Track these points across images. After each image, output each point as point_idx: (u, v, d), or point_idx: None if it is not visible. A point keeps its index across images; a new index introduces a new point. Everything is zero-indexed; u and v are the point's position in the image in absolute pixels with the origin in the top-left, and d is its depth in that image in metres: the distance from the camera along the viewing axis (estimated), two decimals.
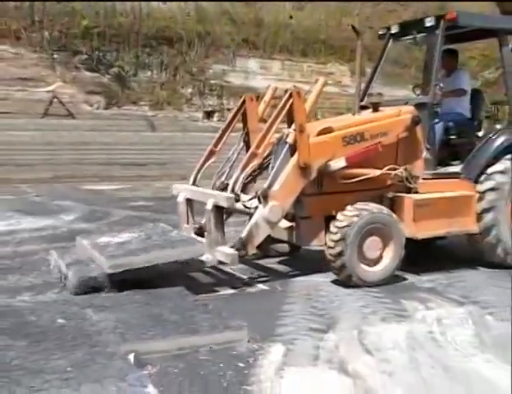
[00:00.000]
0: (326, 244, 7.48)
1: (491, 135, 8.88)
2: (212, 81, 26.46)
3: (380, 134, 8.13)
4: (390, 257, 7.56)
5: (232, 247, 7.11)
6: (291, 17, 29.14)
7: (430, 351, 5.18)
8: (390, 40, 9.71)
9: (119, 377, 4.11)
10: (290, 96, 7.70)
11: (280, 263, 8.65)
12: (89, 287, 6.50)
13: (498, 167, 8.51)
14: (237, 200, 7.32)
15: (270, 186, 7.26)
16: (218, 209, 7.42)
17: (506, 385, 4.50)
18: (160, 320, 5.53)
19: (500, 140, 8.75)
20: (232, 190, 7.43)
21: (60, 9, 24.14)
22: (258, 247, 7.92)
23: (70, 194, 15.88)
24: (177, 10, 26.59)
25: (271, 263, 8.62)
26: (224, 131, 8.96)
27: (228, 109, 26.20)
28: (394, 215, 7.69)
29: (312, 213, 7.83)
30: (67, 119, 22.87)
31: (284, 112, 7.77)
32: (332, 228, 7.34)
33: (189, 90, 26.03)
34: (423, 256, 8.99)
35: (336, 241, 7.21)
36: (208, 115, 26.17)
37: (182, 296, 6.56)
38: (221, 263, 7.31)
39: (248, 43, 27.53)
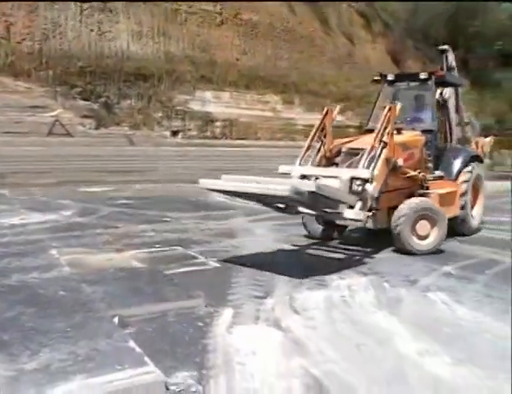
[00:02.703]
0: (391, 224, 8.01)
1: (457, 149, 10.11)
2: (177, 108, 26.30)
3: (412, 147, 8.72)
4: (434, 235, 8.17)
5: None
6: (238, 59, 29.14)
7: (342, 310, 5.28)
8: (385, 84, 10.08)
9: (107, 335, 4.14)
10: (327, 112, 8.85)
11: (229, 246, 8.62)
12: None
13: (468, 168, 9.70)
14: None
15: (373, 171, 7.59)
16: (351, 180, 7.56)
17: (397, 331, 4.67)
18: (137, 291, 5.56)
19: (467, 152, 10.10)
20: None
21: (61, 53, 23.87)
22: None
23: (69, 195, 15.62)
24: (150, 54, 26.41)
25: (222, 246, 8.61)
26: (316, 131, 8.89)
27: (189, 129, 26.22)
28: (437, 205, 8.40)
29: (382, 206, 8.21)
30: (67, 137, 22.69)
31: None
32: (396, 213, 7.97)
33: (160, 114, 25.82)
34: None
35: (398, 223, 7.89)
36: (174, 133, 26.02)
37: (154, 273, 6.60)
38: (352, 220, 7.68)
39: (204, 79, 27.42)
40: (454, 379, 3.77)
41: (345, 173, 7.70)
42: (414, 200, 8.22)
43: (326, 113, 8.92)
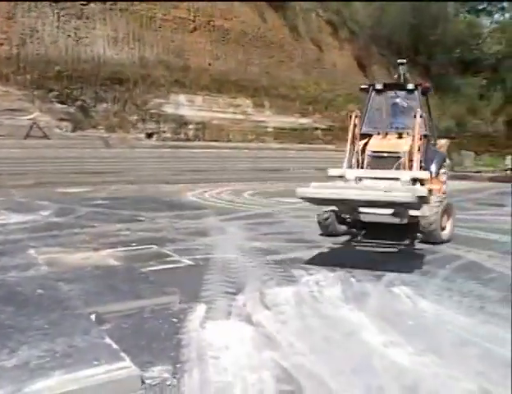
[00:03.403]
0: (422, 217, 8.41)
1: (434, 151, 10.12)
2: (152, 111, 26.19)
3: (418, 147, 8.61)
4: (449, 226, 9.00)
5: None
6: (210, 64, 29.08)
7: (311, 305, 5.30)
8: (373, 93, 10.14)
9: (84, 332, 4.10)
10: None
11: (203, 244, 8.60)
12: None
13: (443, 170, 10.07)
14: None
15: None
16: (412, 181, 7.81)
17: (363, 324, 4.71)
18: (114, 289, 5.51)
19: (441, 154, 10.34)
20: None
21: (39, 58, 23.62)
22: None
23: (46, 196, 15.46)
24: (126, 59, 26.24)
25: (195, 245, 8.59)
26: (352, 135, 8.98)
27: (163, 131, 26.11)
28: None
29: None
30: (44, 139, 22.45)
31: None
32: (428, 208, 8.28)
33: (135, 117, 25.70)
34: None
35: (431, 215, 8.40)
36: (149, 136, 25.91)
37: (130, 271, 6.56)
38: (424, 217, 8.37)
39: (178, 83, 27.33)
40: (416, 368, 3.83)
41: (404, 175, 7.94)
42: (435, 198, 8.64)
43: (355, 117, 9.14)
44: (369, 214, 8.02)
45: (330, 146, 30.53)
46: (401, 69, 10.71)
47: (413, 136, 8.46)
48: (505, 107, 41.34)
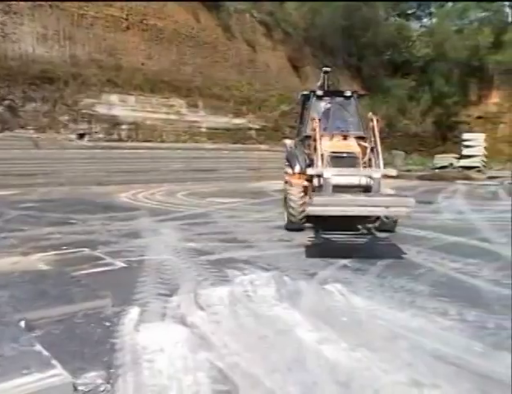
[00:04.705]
0: None
1: None
2: (84, 111, 25.58)
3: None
4: None
5: None
6: (143, 64, 28.72)
7: (246, 305, 5.31)
8: (314, 98, 10.87)
9: (13, 339, 3.98)
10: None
11: (136, 246, 8.50)
12: None
13: None
14: None
15: None
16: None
17: (295, 322, 4.76)
18: (44, 294, 5.37)
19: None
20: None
21: None
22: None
23: None
24: (56, 57, 25.54)
25: (128, 246, 8.48)
26: (314, 139, 9.21)
27: (96, 132, 25.59)
28: None
29: None
30: None
31: None
32: None
33: (66, 118, 24.98)
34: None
35: None
36: (81, 136, 25.28)
37: (61, 275, 6.40)
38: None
39: (110, 83, 26.83)
40: (350, 363, 3.92)
41: (376, 173, 8.57)
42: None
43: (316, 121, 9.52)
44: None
45: (263, 146, 30.75)
46: (325, 77, 11.46)
47: (370, 138, 9.17)
48: (433, 108, 42.79)
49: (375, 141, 9.00)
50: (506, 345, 4.32)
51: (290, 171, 11.03)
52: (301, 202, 9.45)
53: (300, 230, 9.88)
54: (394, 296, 5.73)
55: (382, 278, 6.53)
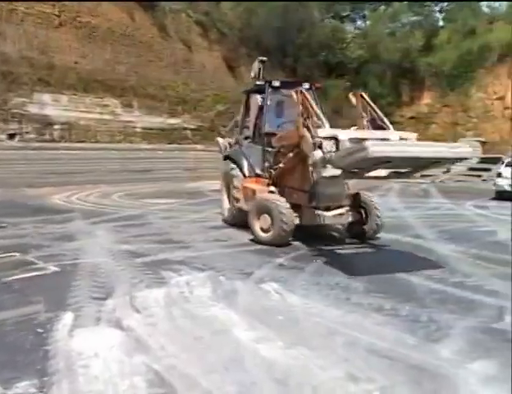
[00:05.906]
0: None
1: None
2: (14, 110, 24.77)
3: None
4: None
5: None
6: (76, 63, 28.08)
7: (182, 306, 5.31)
8: (270, 90, 10.23)
9: None
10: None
11: (69, 250, 8.28)
12: None
13: None
14: None
15: None
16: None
17: (232, 322, 4.80)
18: None
19: None
20: None
21: None
22: None
23: None
24: None
25: (61, 250, 8.26)
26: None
27: (27, 132, 24.83)
28: None
29: None
30: None
31: None
32: None
33: None
34: None
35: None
36: (11, 137, 24.48)
37: None
38: None
39: (42, 82, 26.10)
40: (286, 361, 3.99)
41: (394, 135, 7.89)
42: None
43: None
44: None
45: (199, 146, 30.66)
46: (259, 65, 10.97)
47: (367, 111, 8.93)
48: None
49: (375, 111, 8.86)
50: (436, 336, 4.54)
51: (239, 174, 10.44)
52: (291, 211, 8.66)
53: (288, 245, 8.75)
54: (330, 294, 5.84)
55: (318, 276, 6.65)
